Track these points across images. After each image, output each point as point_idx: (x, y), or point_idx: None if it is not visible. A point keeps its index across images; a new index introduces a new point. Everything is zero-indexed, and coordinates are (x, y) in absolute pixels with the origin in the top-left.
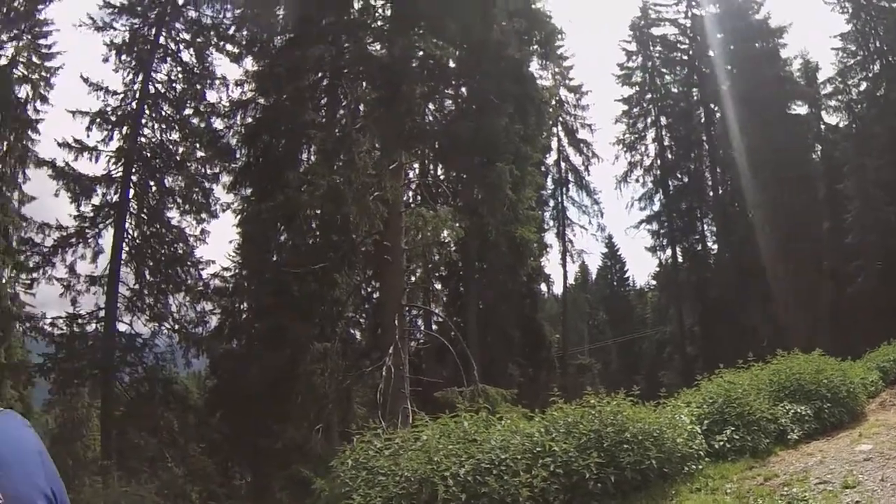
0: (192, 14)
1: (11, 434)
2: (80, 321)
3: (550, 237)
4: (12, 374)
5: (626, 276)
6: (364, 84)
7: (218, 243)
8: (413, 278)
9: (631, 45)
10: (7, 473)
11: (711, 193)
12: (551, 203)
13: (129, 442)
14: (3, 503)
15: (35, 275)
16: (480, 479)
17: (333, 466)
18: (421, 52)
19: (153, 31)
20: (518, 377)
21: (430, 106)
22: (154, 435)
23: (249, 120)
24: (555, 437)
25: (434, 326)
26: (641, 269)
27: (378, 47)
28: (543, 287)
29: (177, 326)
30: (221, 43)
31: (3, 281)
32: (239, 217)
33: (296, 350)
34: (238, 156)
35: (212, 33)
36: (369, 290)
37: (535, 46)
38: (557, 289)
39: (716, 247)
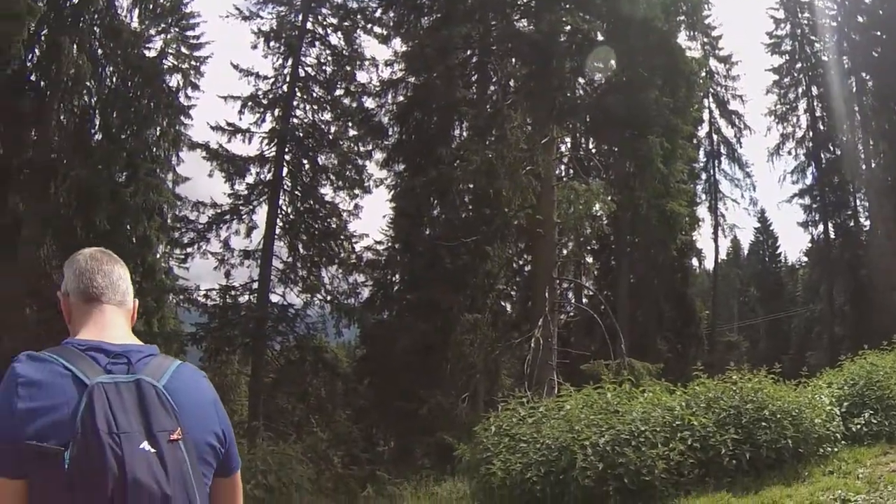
0: None
1: (189, 383)
2: (233, 293)
3: (702, 211)
4: (165, 343)
5: (778, 251)
6: (513, 60)
7: (371, 217)
8: (565, 251)
9: (778, 12)
10: (186, 415)
11: (864, 167)
12: (703, 176)
13: (277, 406)
14: (182, 439)
15: (189, 250)
16: (619, 450)
17: (477, 432)
18: (568, 27)
19: (300, 17)
20: (666, 352)
21: (580, 80)
22: (302, 400)
23: (401, 98)
24: (695, 412)
25: (584, 300)
26: (794, 244)
27: (525, 23)
28: (695, 262)
29: (329, 297)
30: (369, 25)
31: (158, 256)
32: (392, 192)
33: (447, 321)
34: (390, 133)
35: (358, 16)
36: (521, 262)
37: (682, 17)
38: (709, 264)
39: (868, 223)
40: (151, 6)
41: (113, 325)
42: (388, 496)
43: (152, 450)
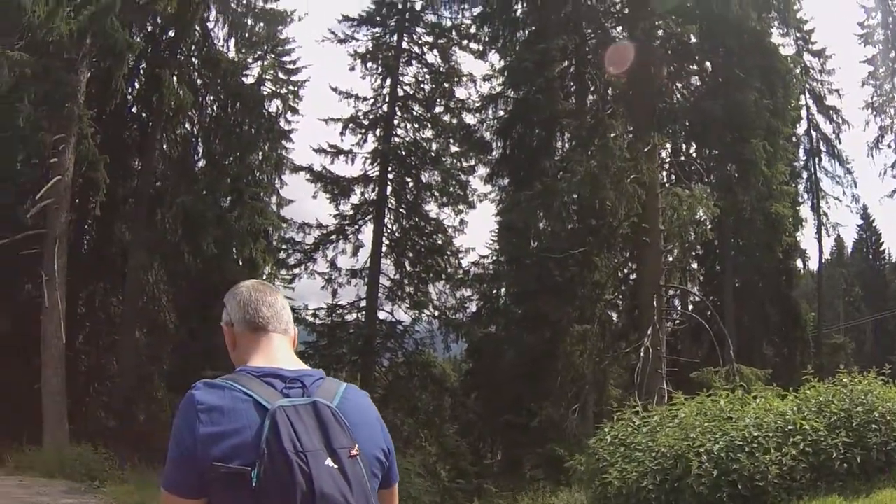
0: (432, 17)
1: (356, 403)
2: (340, 311)
3: (805, 211)
4: None
5: (882, 248)
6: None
7: (476, 232)
8: (670, 258)
9: (868, 0)
10: (357, 433)
11: None
12: (804, 175)
13: (386, 422)
14: (358, 454)
15: (296, 270)
16: (733, 456)
17: (592, 443)
18: (661, 32)
19: (395, 37)
20: (772, 357)
21: (677, 84)
22: (411, 415)
23: (501, 113)
24: (806, 416)
25: (690, 306)
26: None
27: (619, 30)
28: (799, 263)
29: (437, 313)
30: (464, 42)
31: (264, 277)
32: (500, 206)
33: (556, 332)
34: (493, 148)
35: (453, 33)
36: (625, 271)
37: (774, 14)
38: (812, 264)
39: None
40: (247, 35)
41: (281, 352)
42: None
43: (335, 465)
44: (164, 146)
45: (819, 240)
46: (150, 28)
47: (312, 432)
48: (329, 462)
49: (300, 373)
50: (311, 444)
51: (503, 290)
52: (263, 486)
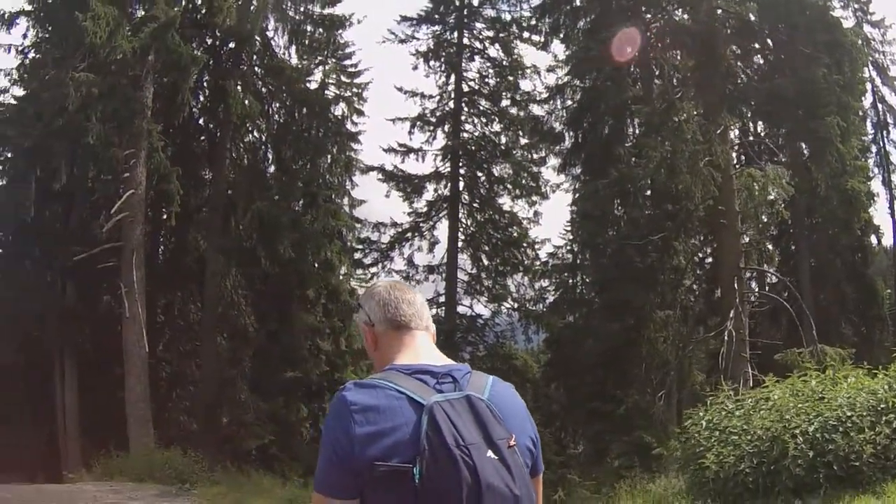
0: (490, 12)
1: (505, 395)
2: None
3: (875, 185)
4: (353, 360)
5: None
6: (676, 53)
7: (550, 223)
8: (746, 239)
9: None
10: (510, 423)
11: None
12: (873, 149)
13: None
14: (515, 444)
15: (374, 269)
16: (828, 437)
17: (687, 427)
18: (720, 11)
19: (455, 34)
20: (851, 336)
21: (740, 64)
22: None
23: (569, 103)
24: None
25: (766, 288)
26: None
27: (680, 13)
28: (873, 239)
29: (516, 305)
30: (525, 34)
31: (341, 277)
32: (577, 195)
33: (638, 319)
34: (564, 138)
35: (513, 27)
36: (701, 255)
37: None
38: (886, 240)
39: None
40: (307, 41)
41: (426, 348)
42: (583, 498)
43: (495, 457)
44: (234, 155)
45: (892, 214)
46: (209, 41)
47: (470, 425)
48: (490, 454)
49: (449, 367)
50: (471, 437)
51: (579, 278)
52: (427, 482)
